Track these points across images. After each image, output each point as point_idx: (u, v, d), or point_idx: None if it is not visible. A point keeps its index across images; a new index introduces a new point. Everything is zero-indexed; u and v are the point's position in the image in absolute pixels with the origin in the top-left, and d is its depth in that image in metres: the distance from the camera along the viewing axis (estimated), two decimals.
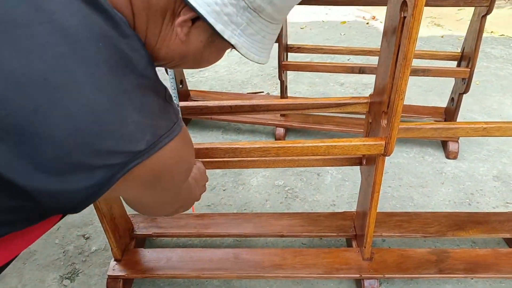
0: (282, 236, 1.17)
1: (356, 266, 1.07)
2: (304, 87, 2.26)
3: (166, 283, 1.15)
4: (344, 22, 3.29)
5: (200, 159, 0.89)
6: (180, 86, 1.86)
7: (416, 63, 1.75)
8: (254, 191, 1.49)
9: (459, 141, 1.61)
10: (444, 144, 1.67)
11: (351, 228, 1.17)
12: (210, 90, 2.18)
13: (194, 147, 0.84)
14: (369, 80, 2.25)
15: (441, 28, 3.11)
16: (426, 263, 1.07)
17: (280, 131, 1.77)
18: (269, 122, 1.78)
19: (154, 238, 1.27)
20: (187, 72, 2.31)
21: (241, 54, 0.53)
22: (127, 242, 1.15)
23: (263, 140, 1.80)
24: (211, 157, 0.86)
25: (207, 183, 0.89)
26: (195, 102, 1.17)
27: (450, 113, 1.64)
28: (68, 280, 1.17)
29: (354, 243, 1.14)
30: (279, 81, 1.73)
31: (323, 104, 0.96)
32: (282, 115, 1.78)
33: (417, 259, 1.08)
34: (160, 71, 1.93)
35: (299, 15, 3.40)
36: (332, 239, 1.26)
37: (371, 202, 0.96)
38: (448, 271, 1.05)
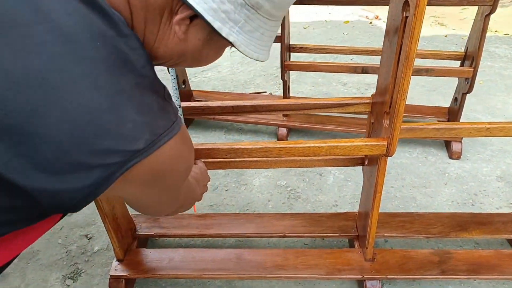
0: (284, 236, 1.17)
1: (358, 267, 1.07)
2: (307, 87, 2.26)
3: (168, 283, 1.15)
4: (347, 21, 3.28)
5: (202, 159, 0.89)
6: (183, 86, 1.86)
7: (419, 62, 1.75)
8: (256, 191, 1.49)
9: (462, 141, 1.61)
10: (447, 144, 1.66)
11: (353, 229, 1.16)
12: (212, 90, 2.19)
13: (196, 147, 0.84)
14: (372, 80, 2.24)
15: (444, 27, 3.09)
16: (428, 264, 1.07)
17: (283, 131, 1.77)
18: (271, 122, 1.78)
19: (156, 238, 1.27)
20: (190, 72, 2.31)
21: (239, 51, 0.52)
22: (130, 242, 1.15)
23: (265, 140, 1.80)
24: (213, 158, 0.86)
25: (209, 183, 0.89)
26: (197, 102, 1.17)
27: (453, 113, 1.63)
28: (71, 280, 1.17)
29: (356, 244, 1.14)
30: (281, 81, 1.73)
31: (325, 104, 0.96)
32: (284, 115, 1.78)
33: (419, 260, 1.08)
34: (163, 71, 1.94)
35: (302, 14, 3.39)
36: (334, 240, 1.25)
37: (373, 202, 0.96)
38: (450, 272, 1.04)
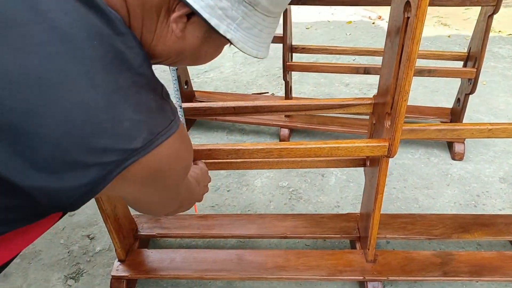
0: (285, 237, 1.17)
1: (359, 268, 1.06)
2: (309, 87, 2.25)
3: (169, 283, 1.15)
4: (350, 22, 3.28)
5: (203, 160, 0.89)
6: (185, 87, 1.86)
7: (422, 63, 1.74)
8: (258, 192, 1.48)
9: (465, 142, 1.60)
10: (450, 145, 1.65)
11: (355, 230, 1.16)
12: (215, 91, 2.19)
13: (197, 148, 0.84)
14: (374, 80, 2.23)
15: (448, 28, 3.08)
16: (430, 266, 1.06)
17: (285, 132, 1.77)
18: (273, 123, 1.78)
19: (157, 238, 1.27)
20: (192, 73, 2.31)
21: (237, 48, 0.52)
22: (131, 242, 1.16)
23: (267, 141, 1.80)
24: (214, 158, 0.86)
25: (210, 183, 0.89)
26: (199, 103, 1.17)
27: (456, 113, 1.62)
28: (73, 280, 1.17)
29: (358, 245, 1.14)
30: (284, 82, 1.72)
31: (326, 105, 0.96)
32: (286, 116, 1.78)
33: (421, 262, 1.07)
34: (166, 71, 1.94)
35: (304, 15, 3.39)
36: (335, 241, 1.25)
37: (375, 203, 0.96)
38: (452, 274, 1.04)
